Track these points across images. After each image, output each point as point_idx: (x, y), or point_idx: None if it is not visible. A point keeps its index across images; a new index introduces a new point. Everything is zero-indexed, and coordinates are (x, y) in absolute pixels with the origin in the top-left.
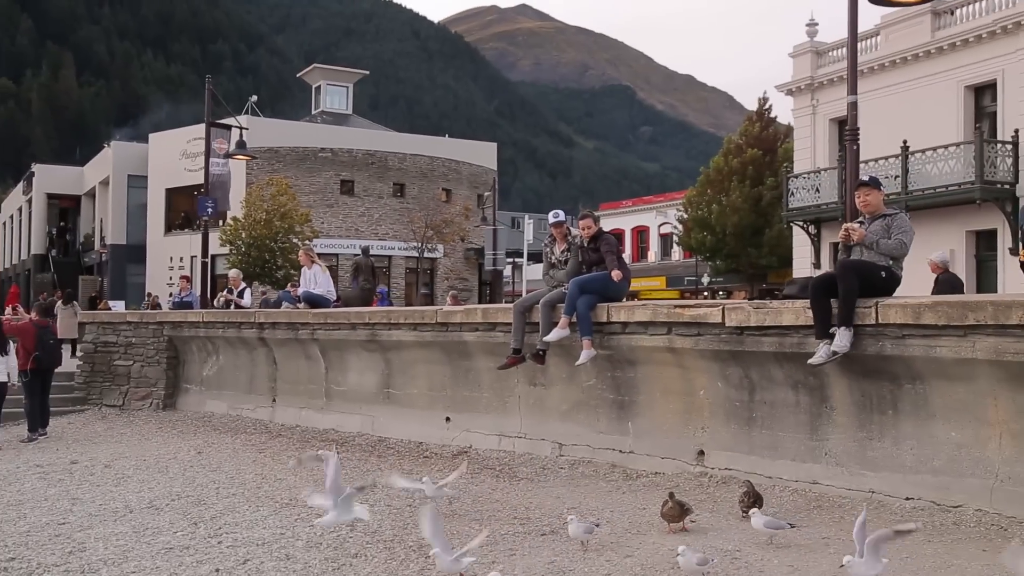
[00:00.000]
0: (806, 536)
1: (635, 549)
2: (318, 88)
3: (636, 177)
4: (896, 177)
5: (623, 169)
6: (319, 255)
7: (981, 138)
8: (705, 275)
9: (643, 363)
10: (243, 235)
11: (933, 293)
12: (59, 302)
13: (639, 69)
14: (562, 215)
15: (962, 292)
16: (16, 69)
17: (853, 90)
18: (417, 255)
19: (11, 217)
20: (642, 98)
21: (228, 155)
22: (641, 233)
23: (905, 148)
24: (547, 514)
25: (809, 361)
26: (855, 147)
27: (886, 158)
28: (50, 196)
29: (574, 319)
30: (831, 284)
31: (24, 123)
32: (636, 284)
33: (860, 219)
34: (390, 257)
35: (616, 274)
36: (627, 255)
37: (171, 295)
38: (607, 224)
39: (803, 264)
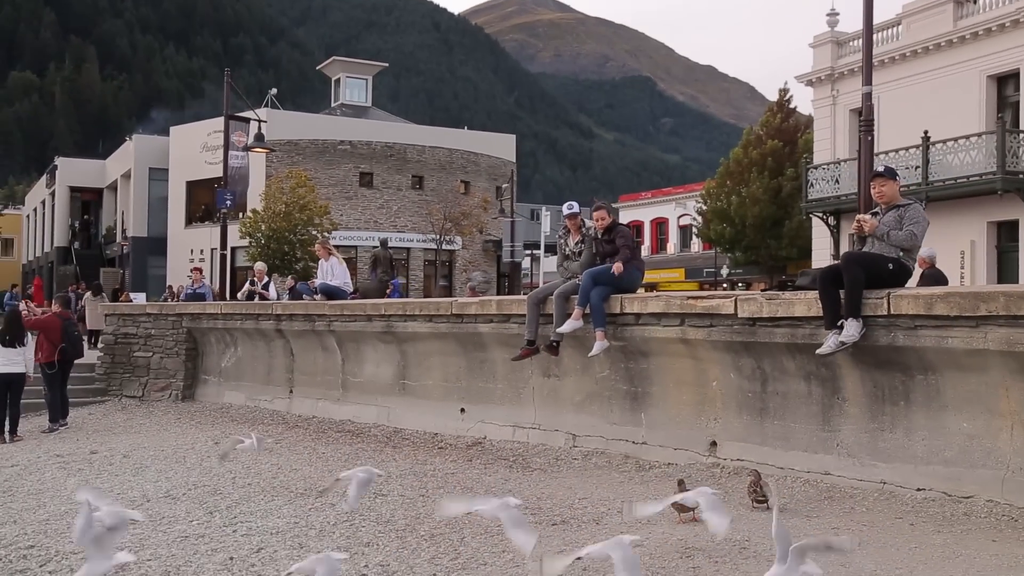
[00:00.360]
0: (815, 526)
1: (644, 539)
2: (337, 81)
3: (656, 169)
4: (916, 168)
5: (644, 161)
6: (338, 247)
7: (1003, 128)
8: (724, 267)
9: (656, 354)
10: (262, 227)
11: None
12: (88, 294)
13: (660, 60)
14: (576, 206)
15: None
16: (40, 63)
17: (868, 80)
18: (435, 247)
19: (35, 210)
20: (663, 89)
21: (247, 148)
22: (660, 225)
23: (926, 138)
24: (558, 504)
25: (817, 351)
26: (869, 138)
27: (907, 148)
28: (73, 189)
29: (588, 310)
30: (839, 274)
31: (47, 117)
32: (655, 276)
33: (874, 210)
34: (409, 249)
35: (617, 267)
36: (646, 247)
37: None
38: (627, 216)
39: (822, 256)
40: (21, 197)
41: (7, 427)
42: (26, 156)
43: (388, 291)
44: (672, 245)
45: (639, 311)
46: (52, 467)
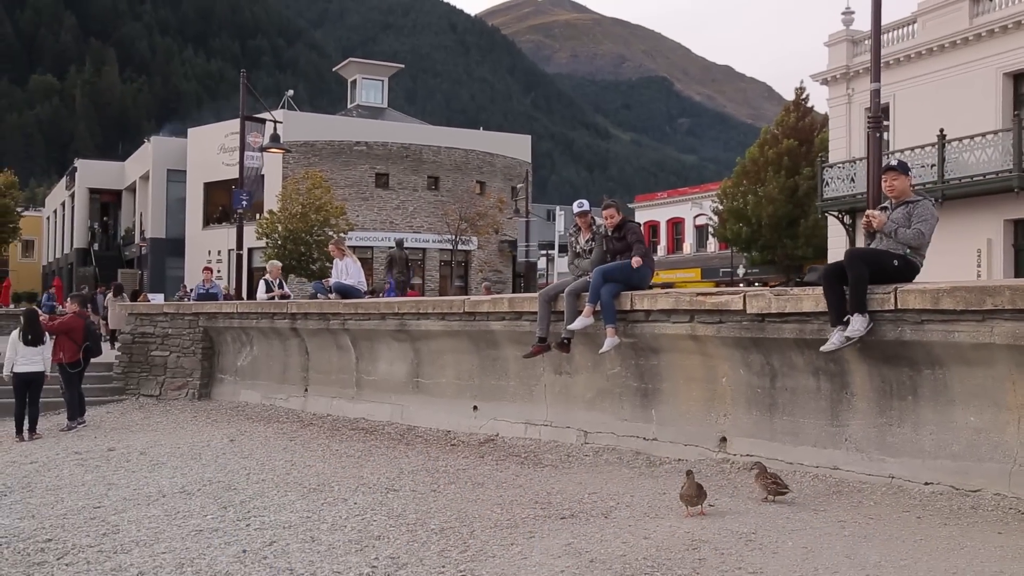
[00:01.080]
0: (823, 519)
1: (652, 531)
2: (354, 82)
3: (673, 169)
4: (932, 166)
5: (660, 161)
6: (354, 248)
7: (1020, 126)
8: (741, 266)
9: (666, 351)
10: (279, 228)
11: None
12: (110, 295)
13: (676, 60)
14: (586, 204)
15: None
16: (60, 66)
17: (876, 77)
18: (451, 247)
19: (55, 212)
20: (679, 90)
21: (263, 148)
22: (676, 225)
23: (942, 136)
24: (568, 499)
25: (822, 348)
26: (878, 135)
27: (922, 147)
28: (92, 191)
29: (598, 307)
30: (843, 271)
31: (68, 119)
32: (671, 276)
33: (883, 204)
34: (424, 249)
35: (636, 260)
36: (662, 247)
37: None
38: (643, 216)
39: (838, 254)
40: (42, 199)
41: (26, 424)
42: (47, 158)
43: (384, 291)
44: (688, 245)
45: (649, 308)
46: (70, 464)
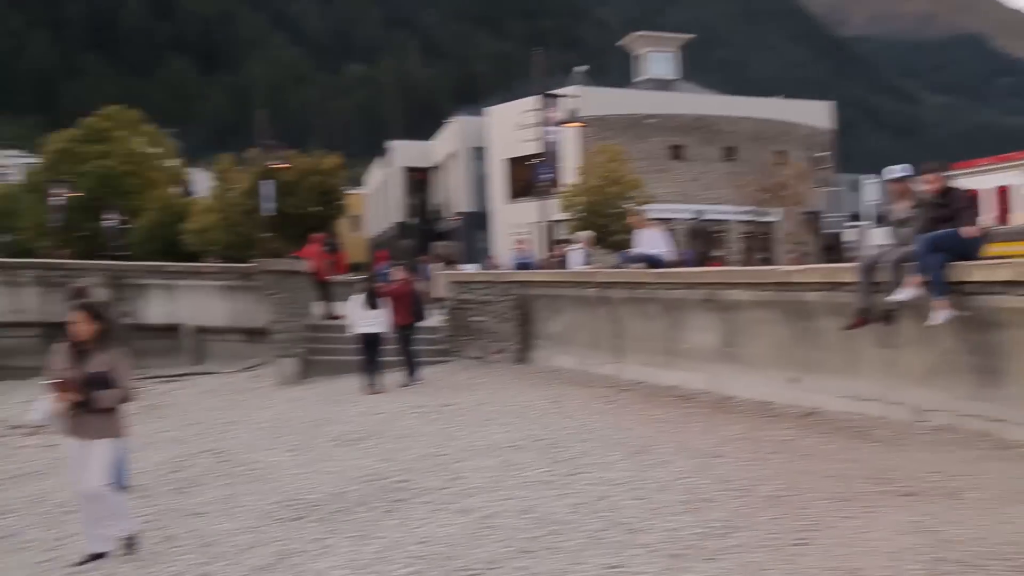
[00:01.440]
0: None
1: (1013, 517)
2: (642, 55)
3: (995, 133)
4: None
5: (979, 125)
6: (653, 219)
7: None
8: None
9: (1010, 326)
10: (581, 200)
11: None
12: (437, 264)
13: (991, 13)
14: (904, 170)
15: None
16: (369, 55)
17: None
18: (752, 219)
19: (376, 190)
20: (997, 47)
21: (560, 123)
22: (1004, 193)
23: None
24: (907, 476)
25: None
26: None
27: None
28: (406, 169)
29: (924, 278)
30: None
31: (378, 104)
32: (1004, 248)
33: None
34: (725, 221)
35: (969, 230)
36: (989, 217)
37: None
38: (962, 184)
39: None
40: (358, 179)
41: (372, 379)
42: (363, 141)
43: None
44: (1021, 216)
45: (985, 279)
46: (411, 416)
